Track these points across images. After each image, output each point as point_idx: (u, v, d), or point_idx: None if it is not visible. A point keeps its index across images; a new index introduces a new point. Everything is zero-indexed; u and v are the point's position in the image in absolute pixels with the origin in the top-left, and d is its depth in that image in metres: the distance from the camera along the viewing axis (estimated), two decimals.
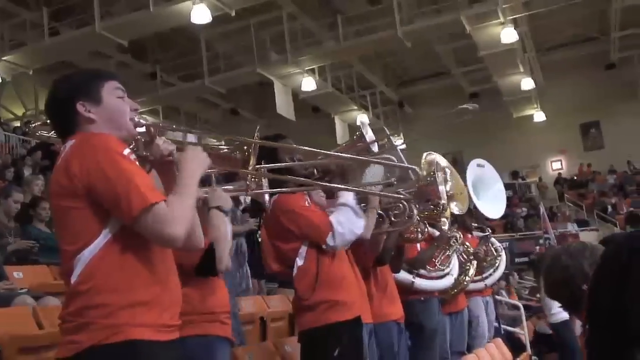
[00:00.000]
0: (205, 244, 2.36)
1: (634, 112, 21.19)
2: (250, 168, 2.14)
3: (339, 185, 3.15)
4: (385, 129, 4.45)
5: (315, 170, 3.40)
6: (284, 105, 16.71)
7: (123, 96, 2.04)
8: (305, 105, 19.07)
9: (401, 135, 22.58)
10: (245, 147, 2.17)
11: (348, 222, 3.10)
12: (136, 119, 2.04)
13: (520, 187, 22.10)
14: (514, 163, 21.87)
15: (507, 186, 20.41)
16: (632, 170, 21.66)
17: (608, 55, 20.60)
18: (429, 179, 3.98)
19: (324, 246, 3.08)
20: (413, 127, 21.32)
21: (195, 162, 2.01)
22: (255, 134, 2.22)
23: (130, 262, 1.87)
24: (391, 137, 4.75)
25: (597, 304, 1.59)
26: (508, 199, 20.14)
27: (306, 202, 3.21)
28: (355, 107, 19.83)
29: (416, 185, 3.67)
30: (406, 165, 3.63)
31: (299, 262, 3.12)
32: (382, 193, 3.39)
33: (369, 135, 3.36)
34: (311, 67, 17.01)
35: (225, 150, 2.18)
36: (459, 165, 6.15)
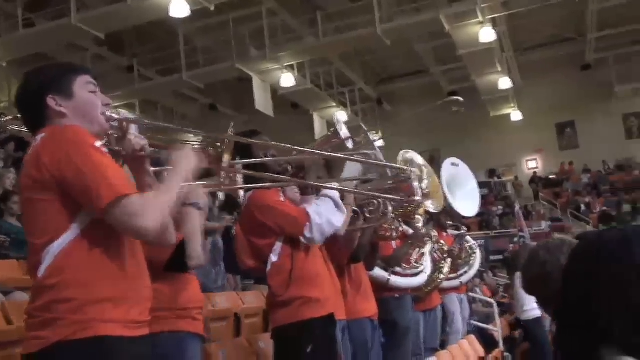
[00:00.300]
0: (177, 239, 2.35)
1: (608, 113, 21.53)
2: (224, 164, 2.13)
3: (314, 182, 3.14)
4: (363, 125, 4.47)
5: (289, 167, 3.39)
6: (262, 101, 16.65)
7: (95, 90, 2.03)
8: (284, 102, 19.04)
9: (379, 132, 22.72)
10: (218, 144, 2.15)
11: (327, 213, 3.08)
12: (108, 114, 2.02)
13: (496, 186, 22.29)
14: (491, 161, 22.06)
15: (483, 184, 20.63)
16: (606, 170, 21.96)
17: (584, 56, 20.84)
18: (404, 176, 4.00)
19: (301, 238, 3.06)
20: (391, 125, 21.37)
21: (185, 162, 2.03)
22: (230, 130, 2.21)
23: (99, 258, 1.85)
24: (368, 134, 4.76)
25: (565, 301, 1.60)
26: (484, 197, 20.40)
27: (281, 198, 3.21)
28: (334, 104, 19.83)
29: (391, 183, 3.68)
30: (383, 162, 3.64)
31: (273, 258, 3.11)
32: (357, 190, 3.39)
33: (344, 131, 3.36)
34: (290, 63, 16.97)
35: (199, 146, 2.17)
36: (436, 164, 6.18)
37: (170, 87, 18.54)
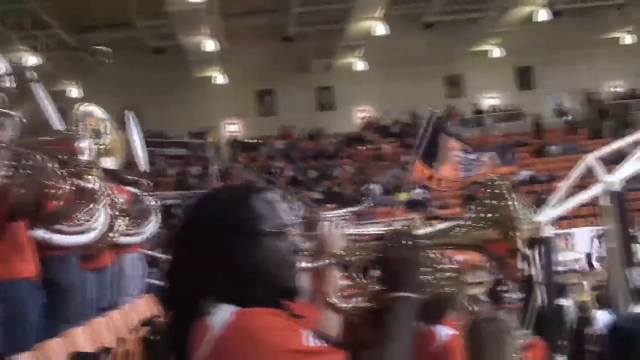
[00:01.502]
0: None
1: (304, 85, 23.32)
2: None
3: None
4: (31, 72, 4.17)
5: None
6: None
7: None
8: None
9: (79, 84, 21.28)
10: None
11: None
12: None
13: (195, 147, 22.59)
14: (193, 123, 22.29)
15: (183, 145, 20.83)
16: (299, 137, 23.69)
17: (287, 28, 22.04)
18: (70, 132, 3.83)
19: None
20: (92, 78, 20.24)
21: None
22: None
23: None
24: (36, 84, 4.45)
25: (173, 258, 1.68)
26: (182, 157, 20.60)
27: None
28: (25, 48, 18.09)
29: (53, 138, 3.50)
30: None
31: None
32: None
33: None
34: None
35: None
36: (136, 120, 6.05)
37: None
